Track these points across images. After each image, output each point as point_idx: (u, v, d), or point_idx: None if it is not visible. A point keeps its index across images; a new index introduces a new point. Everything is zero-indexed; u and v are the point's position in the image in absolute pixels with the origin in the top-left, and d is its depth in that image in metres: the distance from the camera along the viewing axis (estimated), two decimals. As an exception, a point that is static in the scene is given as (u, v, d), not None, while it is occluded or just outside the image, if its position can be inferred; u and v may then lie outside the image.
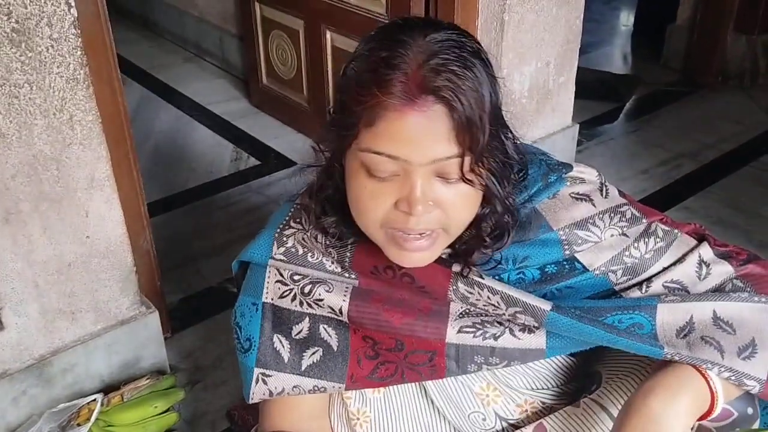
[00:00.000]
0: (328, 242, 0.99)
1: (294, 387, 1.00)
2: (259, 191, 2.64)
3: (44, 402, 1.60)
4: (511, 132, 0.92)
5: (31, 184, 1.42)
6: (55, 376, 1.59)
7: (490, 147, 0.85)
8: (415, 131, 0.80)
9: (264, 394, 1.02)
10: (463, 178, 0.84)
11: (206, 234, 2.39)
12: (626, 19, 4.54)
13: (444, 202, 0.86)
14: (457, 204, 0.87)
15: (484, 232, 0.93)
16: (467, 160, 0.83)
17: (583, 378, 1.05)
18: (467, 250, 0.94)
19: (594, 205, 0.99)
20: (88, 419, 1.52)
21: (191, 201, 2.60)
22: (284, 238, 1.01)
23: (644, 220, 0.99)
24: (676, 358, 0.87)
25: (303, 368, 0.99)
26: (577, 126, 2.67)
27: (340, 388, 1.00)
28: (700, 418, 0.87)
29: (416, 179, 0.83)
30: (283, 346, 1.00)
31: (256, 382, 1.01)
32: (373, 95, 0.81)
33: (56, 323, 1.57)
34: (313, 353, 0.99)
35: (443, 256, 0.95)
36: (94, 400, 1.58)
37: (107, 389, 1.67)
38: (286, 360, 1.00)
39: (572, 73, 2.51)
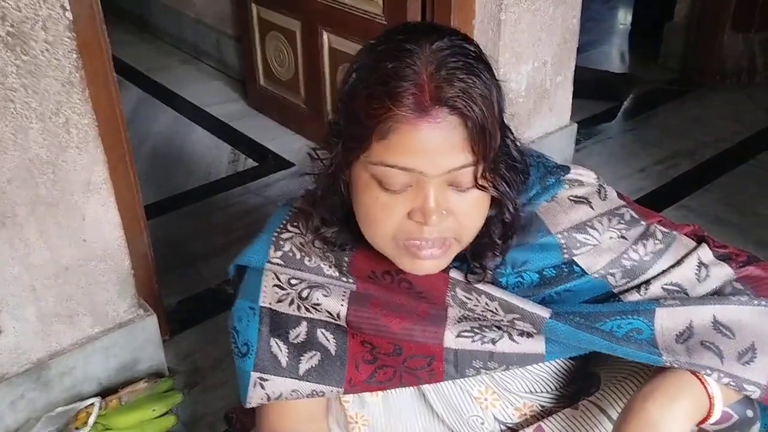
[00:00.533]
0: (325, 247, 0.99)
1: (292, 391, 1.00)
2: (258, 192, 2.64)
3: (42, 406, 1.59)
4: (512, 133, 0.92)
5: (27, 188, 1.41)
6: (53, 380, 1.59)
7: (500, 151, 0.85)
8: (430, 143, 0.80)
9: (261, 399, 1.01)
10: (477, 185, 0.84)
11: (204, 236, 2.39)
12: (624, 17, 4.54)
13: (457, 210, 0.85)
14: (470, 211, 0.87)
15: (494, 236, 0.92)
16: (481, 167, 0.82)
17: (581, 380, 1.04)
18: (479, 255, 0.93)
19: (592, 207, 0.98)
20: (86, 423, 1.52)
21: (189, 203, 2.59)
22: (281, 242, 1.01)
23: (643, 222, 0.98)
24: (675, 365, 0.87)
25: (301, 372, 0.99)
26: (575, 125, 2.67)
27: (338, 392, 1.00)
28: (699, 423, 0.87)
29: (430, 189, 0.83)
30: (281, 351, 0.99)
31: (254, 387, 1.00)
32: (385, 108, 0.79)
33: (54, 327, 1.56)
34: (311, 357, 0.99)
35: None
36: (92, 403, 1.57)
37: (105, 392, 1.66)
38: (284, 364, 0.99)
39: (570, 72, 2.51)
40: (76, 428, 1.51)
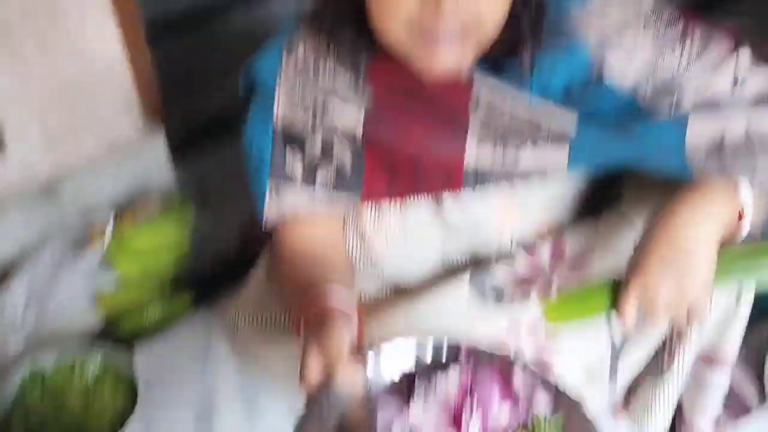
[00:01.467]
0: (340, 58, 0.94)
1: (309, 203, 0.98)
2: (262, 7, 2.52)
3: (54, 225, 1.60)
4: None
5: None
6: (64, 199, 1.59)
7: None
8: None
9: (278, 214, 1.00)
10: None
11: (208, 57, 2.30)
12: None
13: None
14: None
15: (522, 29, 0.87)
16: None
17: (603, 203, 1.03)
18: (499, 49, 0.88)
19: (627, 8, 0.91)
20: (102, 239, 1.52)
21: (192, 24, 2.48)
22: (294, 48, 0.96)
23: (680, 23, 0.92)
24: (707, 172, 0.85)
25: (317, 184, 0.97)
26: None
27: (355, 202, 0.98)
28: (729, 240, 0.85)
29: None
30: (296, 163, 0.97)
31: (270, 200, 0.99)
32: None
33: (59, 146, 1.54)
34: (328, 168, 0.96)
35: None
36: (107, 220, 1.57)
37: (118, 211, 1.66)
38: (299, 176, 0.97)
39: None
40: (92, 246, 1.52)
